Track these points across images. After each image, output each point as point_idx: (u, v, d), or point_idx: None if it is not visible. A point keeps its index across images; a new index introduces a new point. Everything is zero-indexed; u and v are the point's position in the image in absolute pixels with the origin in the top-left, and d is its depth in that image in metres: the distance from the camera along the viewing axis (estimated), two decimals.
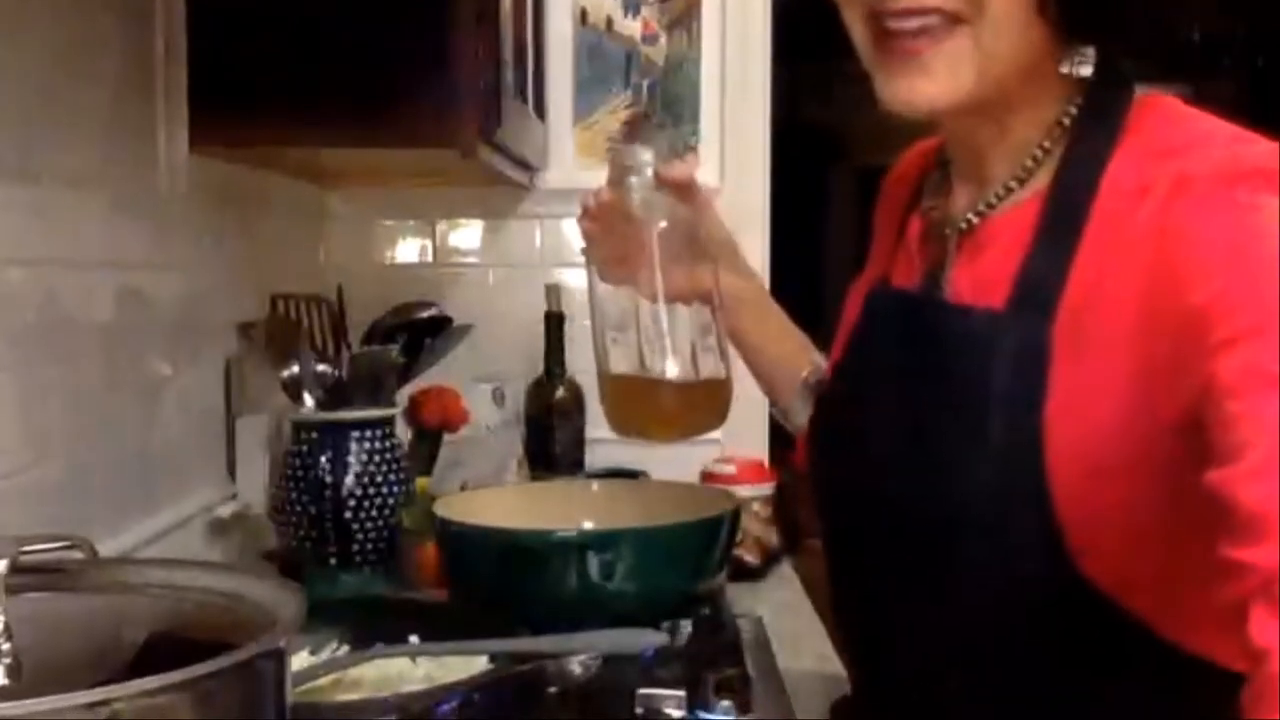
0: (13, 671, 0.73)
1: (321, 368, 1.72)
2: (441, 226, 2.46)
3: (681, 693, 1.19)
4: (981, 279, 1.02)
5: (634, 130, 2.40)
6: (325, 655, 1.27)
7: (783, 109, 2.52)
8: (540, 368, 2.26)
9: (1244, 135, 0.92)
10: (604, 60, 2.40)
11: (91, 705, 0.61)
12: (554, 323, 2.23)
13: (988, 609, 0.99)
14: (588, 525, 1.59)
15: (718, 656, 1.36)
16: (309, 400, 1.69)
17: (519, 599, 1.41)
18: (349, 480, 1.66)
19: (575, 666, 1.25)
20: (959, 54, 0.96)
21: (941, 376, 1.01)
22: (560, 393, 2.24)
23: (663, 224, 1.19)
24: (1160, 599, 0.94)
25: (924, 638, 1.05)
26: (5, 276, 1.23)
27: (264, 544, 1.78)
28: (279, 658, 0.72)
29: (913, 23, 0.96)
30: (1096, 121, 0.99)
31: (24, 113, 1.25)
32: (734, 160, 2.42)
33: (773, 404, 1.39)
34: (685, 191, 1.23)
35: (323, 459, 1.66)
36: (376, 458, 1.68)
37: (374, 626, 1.30)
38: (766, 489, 2.06)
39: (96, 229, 1.42)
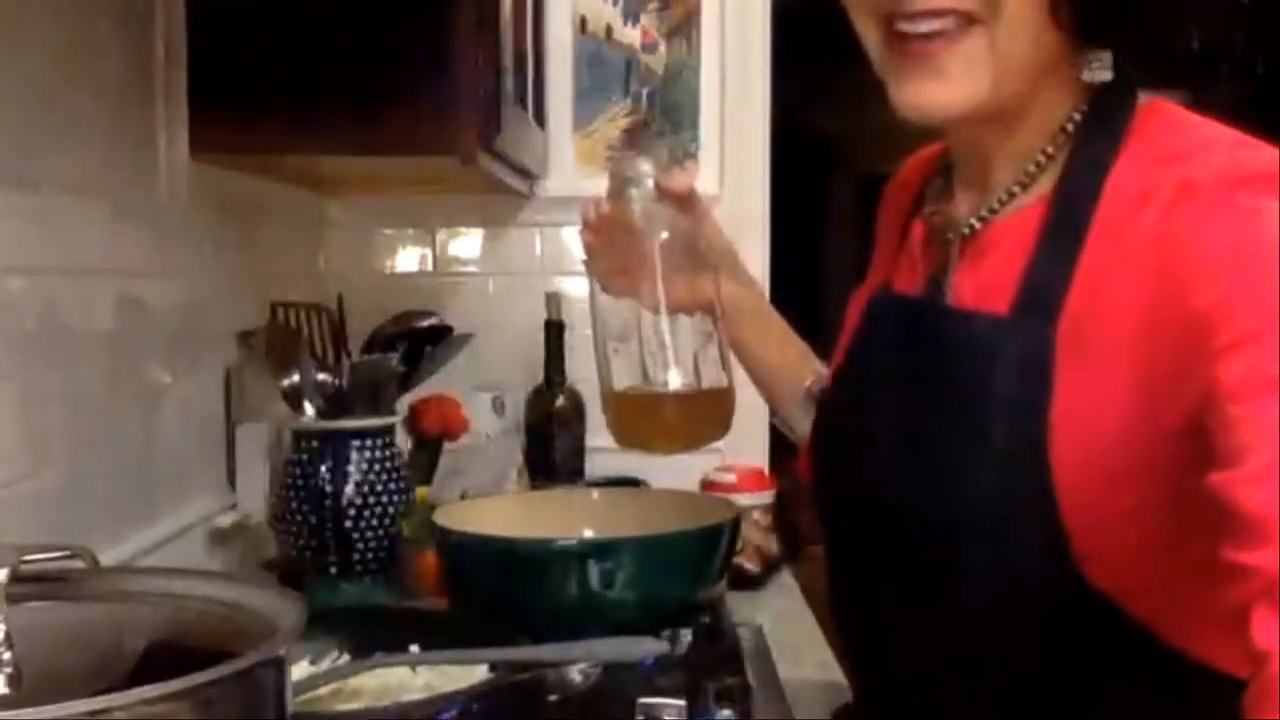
0: (13, 680, 0.72)
1: (322, 376, 1.72)
2: (441, 235, 2.46)
3: (682, 701, 1.19)
4: (984, 284, 1.02)
5: (634, 138, 2.40)
6: (325, 664, 1.27)
7: (782, 116, 2.52)
8: (540, 376, 2.26)
9: (1246, 140, 0.92)
10: (604, 68, 2.40)
11: (92, 714, 0.61)
12: (554, 331, 2.23)
13: (989, 614, 0.99)
14: (588, 534, 1.59)
15: (718, 665, 1.36)
16: (309, 409, 1.69)
17: (519, 608, 1.41)
18: (349, 489, 1.66)
19: (575, 675, 1.25)
20: (975, 56, 0.95)
21: (944, 382, 1.01)
22: (560, 401, 2.24)
23: (664, 235, 1.19)
24: (1162, 603, 0.94)
25: (925, 643, 1.05)
26: (5, 284, 1.23)
27: (264, 553, 1.78)
28: (279, 666, 0.72)
29: (928, 25, 0.95)
30: (1101, 127, 0.99)
31: (24, 120, 1.25)
32: (733, 168, 2.42)
33: (774, 413, 1.39)
34: (686, 202, 1.23)
35: (323, 468, 1.66)
36: (376, 466, 1.68)
37: (374, 635, 1.30)
38: (767, 497, 2.06)
39: (96, 237, 1.42)
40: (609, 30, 2.40)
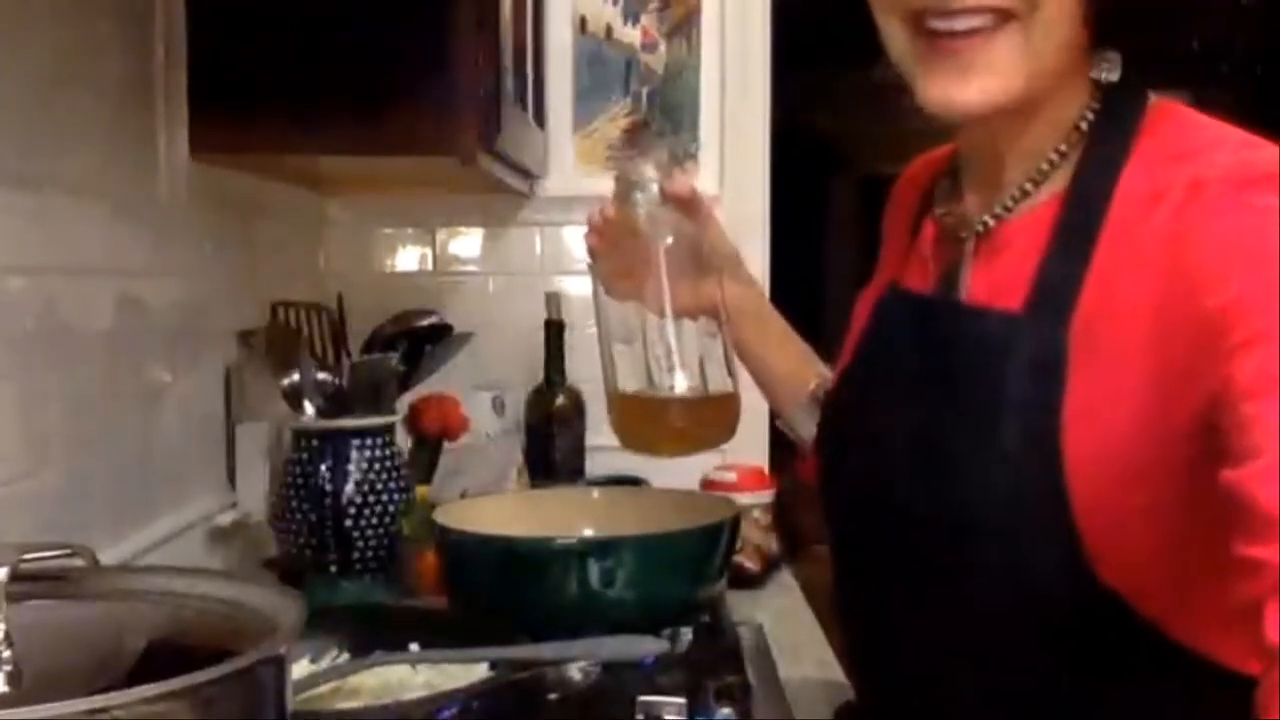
0: (13, 679, 0.72)
1: (321, 375, 1.72)
2: (441, 234, 2.46)
3: (682, 700, 1.19)
4: (998, 282, 1.02)
5: (634, 138, 2.40)
6: (325, 663, 1.27)
7: (782, 117, 2.52)
8: (540, 375, 2.26)
9: (1254, 140, 0.93)
10: (603, 68, 2.40)
11: (92, 712, 0.61)
12: (554, 330, 2.23)
13: (998, 613, 0.99)
14: (588, 533, 1.59)
15: (718, 664, 1.36)
16: (309, 408, 1.69)
17: (519, 606, 1.41)
18: (349, 488, 1.66)
19: (575, 674, 1.25)
20: (1010, 52, 0.95)
21: (956, 379, 1.01)
22: (560, 400, 2.24)
23: (669, 239, 1.19)
24: (1174, 602, 0.93)
25: (932, 643, 1.05)
26: (5, 284, 1.23)
27: (264, 551, 1.78)
28: (279, 665, 0.72)
29: (966, 23, 0.95)
30: (1113, 126, 0.99)
31: (24, 120, 1.25)
32: (734, 168, 2.42)
33: (777, 415, 1.39)
34: (690, 206, 1.23)
35: (323, 467, 1.66)
36: (377, 465, 1.68)
37: (374, 634, 1.30)
38: (767, 496, 2.06)
39: (96, 236, 1.42)
40: (609, 30, 2.40)
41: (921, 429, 1.03)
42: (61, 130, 1.33)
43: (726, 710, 1.22)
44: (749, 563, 1.94)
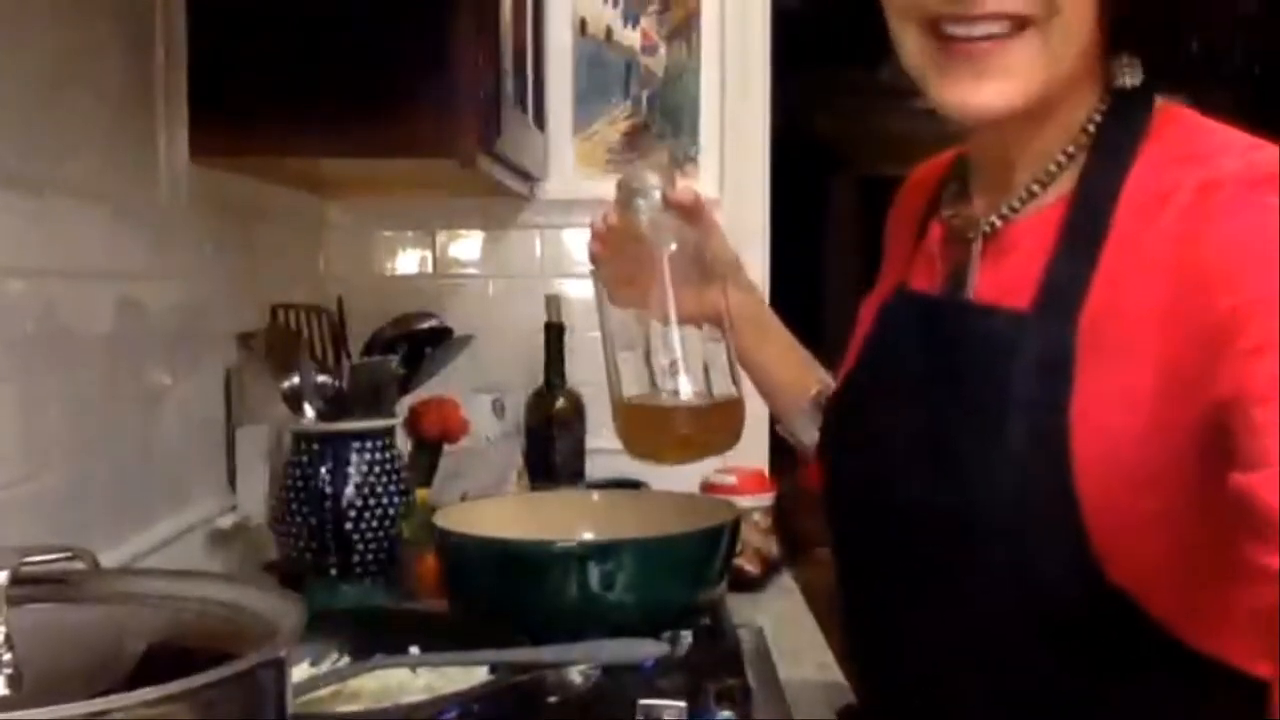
0: (13, 682, 0.72)
1: (321, 378, 1.72)
2: (441, 237, 2.46)
3: (682, 703, 1.19)
4: (1005, 282, 1.02)
5: (634, 141, 2.40)
6: (325, 666, 1.27)
7: (782, 119, 2.52)
8: (540, 378, 2.26)
9: (1260, 143, 0.93)
10: (603, 70, 2.40)
11: (92, 715, 0.61)
12: (554, 333, 2.23)
13: (1002, 614, 0.98)
14: (588, 536, 1.59)
15: (718, 667, 1.36)
16: (309, 411, 1.69)
17: (519, 609, 1.41)
18: (349, 491, 1.66)
19: (576, 677, 1.25)
20: (1028, 57, 0.95)
21: (963, 377, 1.01)
22: (560, 403, 2.24)
23: (673, 245, 1.19)
24: (1185, 603, 0.93)
25: (938, 643, 1.05)
26: (5, 286, 1.23)
27: (264, 555, 1.78)
28: (279, 668, 0.72)
29: (985, 28, 0.95)
30: (1120, 129, 1.00)
31: (24, 121, 1.25)
32: (734, 171, 2.42)
33: (777, 421, 1.39)
34: (693, 214, 1.23)
35: (323, 470, 1.66)
36: (376, 468, 1.68)
37: (374, 637, 1.30)
38: (767, 499, 2.06)
39: (96, 239, 1.42)
40: (609, 32, 2.40)
41: (927, 428, 1.03)
42: (62, 133, 1.33)
43: (727, 713, 1.22)
44: (749, 566, 1.94)
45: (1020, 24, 0.95)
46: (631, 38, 2.40)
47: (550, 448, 2.23)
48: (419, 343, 1.87)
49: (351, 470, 1.66)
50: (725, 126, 2.42)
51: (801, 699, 1.45)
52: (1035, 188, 1.03)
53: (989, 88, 0.96)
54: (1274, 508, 0.75)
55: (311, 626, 0.77)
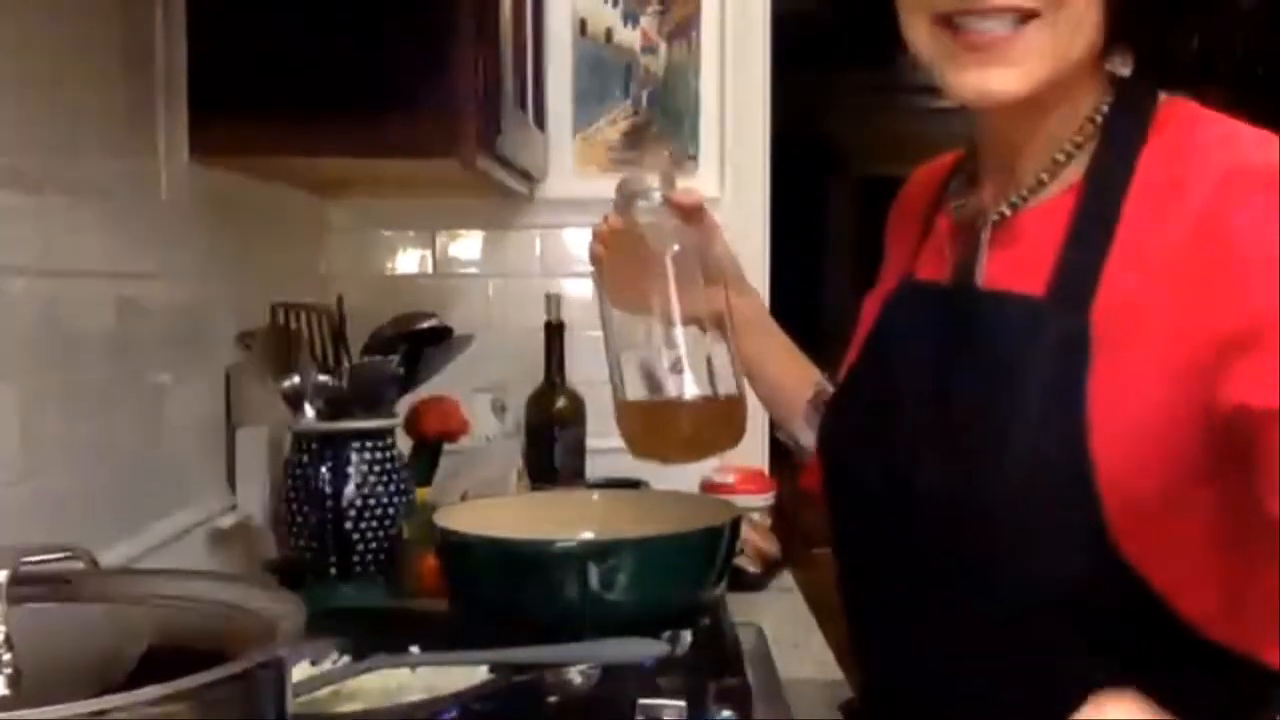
0: (13, 681, 0.72)
1: (322, 378, 1.72)
2: (441, 237, 2.46)
3: (682, 703, 1.19)
4: (1014, 270, 1.03)
5: (634, 142, 2.40)
6: (326, 666, 1.27)
7: (782, 119, 2.52)
8: (540, 378, 2.26)
9: (1266, 135, 0.95)
10: (603, 70, 2.40)
11: (92, 715, 0.61)
12: (554, 333, 2.23)
13: (1020, 604, 0.98)
14: (588, 535, 1.59)
15: (718, 666, 1.36)
16: (309, 411, 1.69)
17: (519, 609, 1.41)
18: (349, 491, 1.66)
19: (576, 676, 1.25)
20: (1036, 46, 0.98)
21: (977, 364, 1.02)
22: (561, 403, 2.24)
23: (675, 248, 1.20)
24: (1219, 604, 0.93)
25: (943, 638, 1.05)
26: (5, 285, 1.23)
27: (264, 554, 1.78)
28: (279, 668, 0.72)
29: (995, 21, 0.98)
30: (1127, 120, 1.01)
31: (24, 120, 1.25)
32: (733, 171, 2.42)
33: (776, 425, 1.39)
34: (694, 216, 1.23)
35: (323, 469, 1.66)
36: (377, 468, 1.68)
37: (374, 637, 1.30)
38: (767, 499, 2.06)
39: (96, 238, 1.42)
40: (609, 33, 2.40)
41: (942, 416, 1.03)
42: (61, 132, 1.33)
43: (727, 713, 1.22)
44: (749, 565, 1.93)
45: (1027, 16, 0.97)
46: (631, 38, 2.40)
47: (550, 447, 2.23)
48: (419, 342, 1.87)
49: (351, 470, 1.67)
50: (725, 126, 2.42)
51: (801, 698, 1.45)
52: (1044, 176, 1.04)
53: (998, 74, 0.98)
54: None
55: (311, 626, 0.77)
